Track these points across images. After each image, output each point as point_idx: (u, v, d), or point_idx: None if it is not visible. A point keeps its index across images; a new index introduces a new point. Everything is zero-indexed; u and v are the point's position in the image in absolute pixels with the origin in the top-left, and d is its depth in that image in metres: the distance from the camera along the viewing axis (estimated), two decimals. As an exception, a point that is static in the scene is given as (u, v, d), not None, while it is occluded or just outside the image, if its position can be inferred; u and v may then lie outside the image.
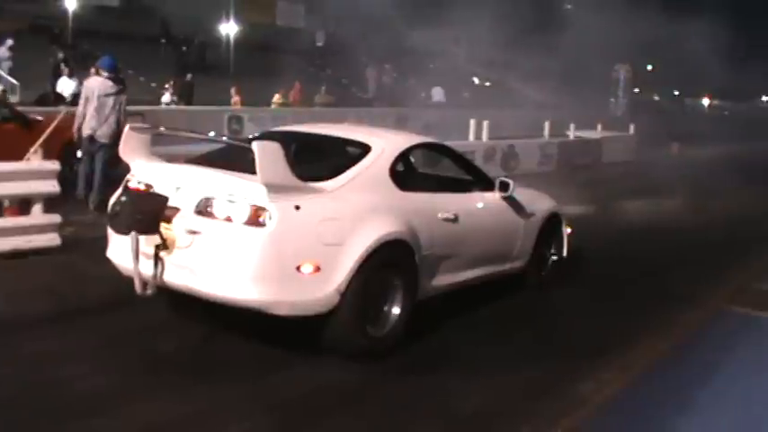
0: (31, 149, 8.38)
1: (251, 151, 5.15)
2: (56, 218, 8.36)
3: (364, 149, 6.34)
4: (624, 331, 7.07)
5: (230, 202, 5.39)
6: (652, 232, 12.48)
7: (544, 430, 4.90)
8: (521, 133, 22.35)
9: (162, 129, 6.82)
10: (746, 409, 5.42)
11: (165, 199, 5.56)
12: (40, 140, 8.58)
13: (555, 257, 8.35)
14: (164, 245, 5.55)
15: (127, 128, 6.29)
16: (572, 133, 23.20)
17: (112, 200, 5.94)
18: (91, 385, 5.10)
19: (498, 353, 6.33)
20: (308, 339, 5.79)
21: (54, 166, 8.45)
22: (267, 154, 5.19)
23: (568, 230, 8.52)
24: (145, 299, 5.76)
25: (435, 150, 7.98)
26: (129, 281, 6.96)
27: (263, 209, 5.24)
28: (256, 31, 38.41)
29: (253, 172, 5.22)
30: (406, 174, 7.26)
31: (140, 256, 5.60)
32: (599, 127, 25.89)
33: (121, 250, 5.88)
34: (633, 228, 12.73)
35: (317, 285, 5.41)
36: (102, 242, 8.89)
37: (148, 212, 5.51)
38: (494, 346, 6.51)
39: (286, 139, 5.74)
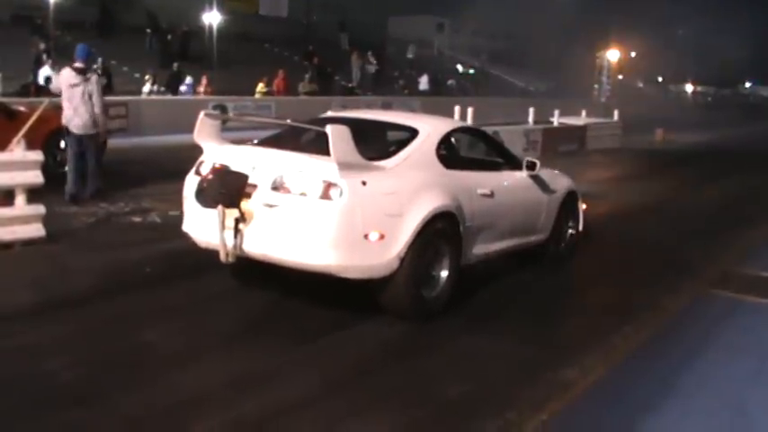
0: (14, 140, 8.33)
1: (323, 134, 5.80)
2: (40, 209, 8.31)
3: (412, 133, 7.01)
4: (610, 314, 7.15)
5: (304, 178, 6.01)
6: (640, 216, 12.60)
7: (529, 415, 4.92)
8: (506, 120, 22.41)
9: (232, 115, 7.53)
10: (729, 393, 5.46)
11: (246, 176, 6.20)
12: (23, 131, 8.53)
13: (572, 231, 9.01)
14: (242, 218, 6.18)
15: (201, 114, 6.87)
16: (556, 120, 23.23)
17: (191, 179, 6.66)
18: (77, 376, 5.09)
19: (486, 335, 6.39)
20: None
21: (37, 156, 8.40)
22: (339, 136, 5.82)
23: (584, 207, 9.12)
24: (227, 265, 6.48)
25: (471, 134, 8.90)
26: (114, 269, 7.03)
27: (335, 185, 5.88)
28: (239, 21, 38.21)
29: (318, 152, 6.06)
30: (449, 154, 7.75)
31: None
32: (583, 113, 25.93)
33: (199, 224, 6.63)
34: (625, 211, 12.96)
35: (381, 251, 6.06)
36: (88, 233, 8.96)
37: (233, 188, 6.16)
38: (482, 328, 6.53)
39: (344, 124, 6.15)
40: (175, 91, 25.60)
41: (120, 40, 30.60)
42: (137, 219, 9.91)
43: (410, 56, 47.95)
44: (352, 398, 5.06)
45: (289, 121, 7.55)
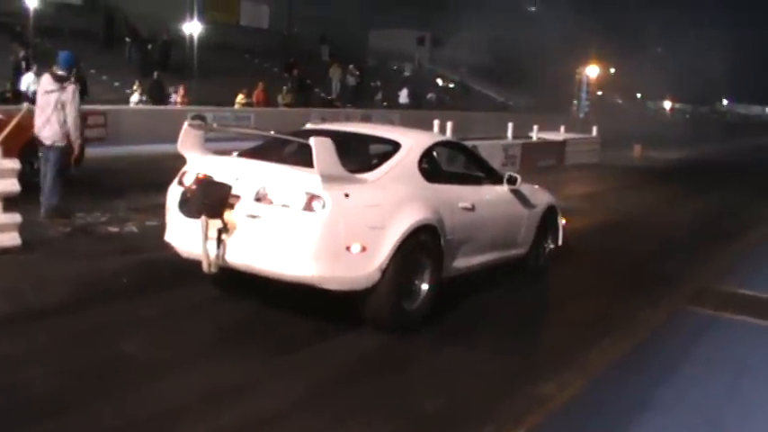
0: (-9, 147, 8.24)
1: (307, 146, 5.87)
2: (16, 217, 8.21)
3: (395, 146, 7.06)
4: (588, 328, 7.16)
5: (288, 190, 6.05)
6: (618, 231, 12.67)
7: (507, 428, 4.92)
8: (485, 134, 22.49)
9: (215, 126, 7.67)
10: (706, 409, 5.48)
11: (229, 187, 6.24)
12: (0, 138, 8.44)
13: (551, 246, 9.06)
14: (225, 228, 6.21)
15: (185, 124, 6.87)
16: (535, 135, 23.32)
17: (174, 190, 6.66)
18: (54, 386, 5.03)
19: (466, 347, 6.40)
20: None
21: (14, 164, 8.30)
22: (322, 148, 5.88)
23: (563, 222, 9.17)
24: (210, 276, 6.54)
25: (453, 148, 8.83)
26: (91, 279, 6.95)
27: (318, 196, 5.93)
28: (220, 31, 38.19)
29: (301, 163, 6.11)
30: (430, 168, 7.77)
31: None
32: (562, 129, 26.05)
33: (181, 234, 6.64)
34: (604, 225, 13.07)
35: (363, 263, 6.11)
36: (64, 243, 8.87)
37: (216, 198, 6.21)
38: (462, 341, 6.54)
39: (327, 136, 6.19)
40: (158, 100, 25.55)
41: (99, 50, 30.47)
42: (114, 229, 9.82)
43: (407, 73, 50.13)
44: (334, 408, 5.05)
45: (272, 132, 7.56)
